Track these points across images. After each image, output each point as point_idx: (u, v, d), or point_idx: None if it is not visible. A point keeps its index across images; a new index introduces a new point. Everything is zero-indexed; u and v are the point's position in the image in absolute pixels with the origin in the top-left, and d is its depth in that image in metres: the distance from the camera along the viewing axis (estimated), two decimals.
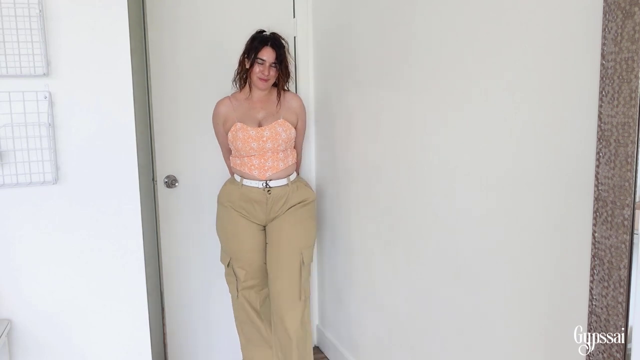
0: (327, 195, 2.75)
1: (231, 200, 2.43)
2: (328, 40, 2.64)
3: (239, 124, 2.37)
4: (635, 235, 1.08)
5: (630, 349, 1.11)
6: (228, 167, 2.60)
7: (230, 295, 2.58)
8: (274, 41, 2.34)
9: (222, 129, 2.46)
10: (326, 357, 2.87)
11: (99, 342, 1.90)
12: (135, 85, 1.88)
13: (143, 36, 2.51)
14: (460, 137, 1.66)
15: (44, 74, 1.73)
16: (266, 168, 2.39)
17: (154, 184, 2.59)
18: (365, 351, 2.46)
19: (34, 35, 1.70)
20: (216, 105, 2.46)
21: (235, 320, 2.59)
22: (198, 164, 2.68)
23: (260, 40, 2.34)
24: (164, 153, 2.61)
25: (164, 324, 2.70)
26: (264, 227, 2.47)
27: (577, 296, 1.25)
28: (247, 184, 2.40)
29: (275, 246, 2.43)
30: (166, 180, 2.61)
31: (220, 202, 2.50)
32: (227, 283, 2.54)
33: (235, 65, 2.44)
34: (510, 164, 1.46)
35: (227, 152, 2.57)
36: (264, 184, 2.39)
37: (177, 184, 2.63)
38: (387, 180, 2.14)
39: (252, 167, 2.39)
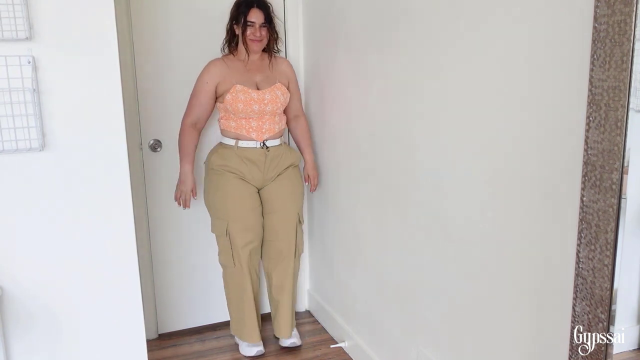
0: (317, 160, 2.74)
1: (225, 163, 2.43)
2: (318, 4, 2.60)
3: (239, 86, 2.39)
4: (622, 200, 1.08)
5: (614, 310, 1.13)
6: (186, 138, 2.42)
7: (223, 267, 2.57)
8: (259, 2, 2.38)
9: (211, 89, 2.41)
10: (317, 321, 2.91)
11: (91, 306, 1.91)
12: (120, 47, 1.84)
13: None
14: (450, 101, 1.65)
15: (27, 38, 1.68)
16: (264, 130, 2.44)
17: (140, 148, 2.57)
18: (356, 314, 2.49)
19: None
20: (209, 65, 2.43)
21: (228, 290, 2.58)
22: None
23: (246, 4, 2.37)
24: (148, 117, 2.59)
25: (154, 285, 2.73)
26: (259, 190, 2.51)
27: (564, 259, 1.26)
28: (243, 145, 2.43)
29: (274, 212, 2.53)
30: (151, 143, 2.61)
31: (211, 168, 2.47)
32: (221, 254, 2.53)
33: (220, 26, 2.44)
34: (500, 127, 1.46)
35: (195, 117, 2.43)
36: (262, 144, 2.44)
37: (159, 149, 2.62)
38: (376, 145, 2.14)
39: (250, 130, 2.43)
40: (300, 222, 2.60)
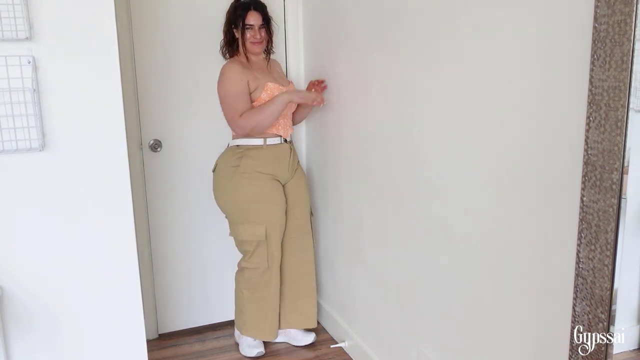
0: (317, 160, 2.74)
1: (256, 165, 2.39)
2: (318, 4, 2.59)
3: (270, 84, 2.38)
4: (622, 200, 1.08)
5: (614, 310, 1.13)
6: (255, 108, 2.35)
7: (251, 270, 2.49)
8: (256, 4, 2.37)
9: (247, 89, 2.34)
10: (318, 322, 2.91)
11: (91, 306, 1.91)
12: (120, 47, 1.84)
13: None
14: (450, 100, 1.65)
15: (27, 38, 1.68)
16: (287, 127, 2.50)
17: (140, 148, 2.57)
18: (356, 314, 2.49)
19: None
20: (230, 67, 2.35)
21: (253, 291, 2.52)
22: (183, 127, 2.66)
23: (242, 7, 2.36)
24: (148, 117, 2.59)
25: (154, 285, 2.72)
26: (283, 185, 2.54)
27: (564, 259, 1.26)
28: (271, 142, 2.43)
29: (296, 207, 2.57)
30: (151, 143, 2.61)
31: (242, 172, 2.38)
32: (253, 257, 2.46)
33: (220, 27, 2.44)
34: (500, 127, 1.46)
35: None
36: (284, 140, 2.49)
37: (159, 149, 2.62)
38: (377, 146, 2.14)
39: (279, 128, 2.46)
40: (311, 214, 2.66)
